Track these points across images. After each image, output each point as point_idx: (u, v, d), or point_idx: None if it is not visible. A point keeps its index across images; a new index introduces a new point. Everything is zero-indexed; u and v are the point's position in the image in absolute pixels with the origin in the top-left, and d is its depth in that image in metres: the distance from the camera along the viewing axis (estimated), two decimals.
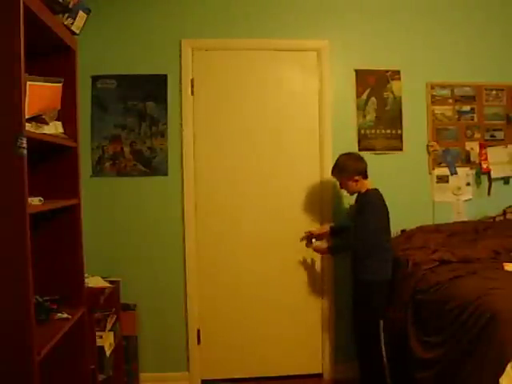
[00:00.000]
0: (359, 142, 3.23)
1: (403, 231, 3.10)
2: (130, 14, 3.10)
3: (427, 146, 3.28)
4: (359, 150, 3.20)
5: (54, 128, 1.86)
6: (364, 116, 3.24)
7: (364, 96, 3.23)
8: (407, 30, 3.25)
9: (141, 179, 3.12)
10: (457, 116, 3.31)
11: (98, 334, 2.40)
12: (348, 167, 2.76)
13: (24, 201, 1.45)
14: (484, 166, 3.30)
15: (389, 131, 3.25)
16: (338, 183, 3.18)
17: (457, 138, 3.31)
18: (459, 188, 3.30)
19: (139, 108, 3.11)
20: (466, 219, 3.25)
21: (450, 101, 3.29)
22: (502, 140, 3.34)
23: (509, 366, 1.78)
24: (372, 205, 2.69)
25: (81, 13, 1.94)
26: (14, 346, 1.45)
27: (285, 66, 3.21)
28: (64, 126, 1.95)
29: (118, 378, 2.71)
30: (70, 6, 1.86)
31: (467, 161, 3.32)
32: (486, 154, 3.30)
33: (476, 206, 3.29)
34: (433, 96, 3.27)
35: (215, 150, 3.17)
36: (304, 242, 3.08)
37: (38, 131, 1.69)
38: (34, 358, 1.47)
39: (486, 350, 1.94)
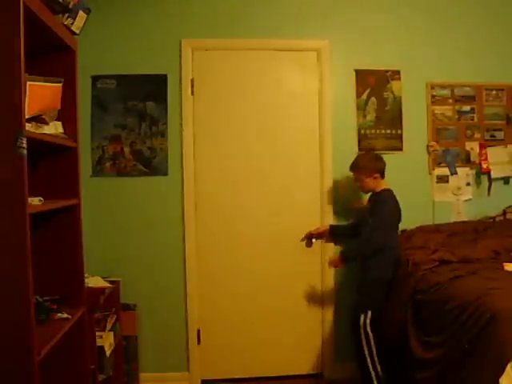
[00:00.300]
0: (359, 141, 3.23)
1: (403, 231, 3.10)
2: (130, 13, 3.10)
3: (427, 146, 3.28)
4: (359, 149, 3.21)
5: (54, 128, 1.86)
6: (364, 116, 3.24)
7: (364, 96, 3.23)
8: (407, 30, 3.25)
9: (141, 179, 3.12)
10: (457, 116, 3.30)
11: (98, 333, 2.40)
12: (368, 165, 2.83)
13: (24, 201, 1.45)
14: (484, 165, 3.30)
15: (389, 131, 3.25)
16: (337, 183, 3.20)
17: (457, 138, 3.31)
18: (459, 188, 3.30)
19: (139, 108, 3.11)
20: (466, 219, 3.25)
21: (450, 101, 3.29)
22: (502, 140, 3.34)
23: (509, 365, 1.78)
24: (386, 205, 2.75)
25: (81, 13, 1.94)
26: (14, 346, 1.45)
27: (285, 66, 3.21)
28: (64, 126, 1.95)
29: (118, 378, 2.71)
30: (70, 6, 1.86)
31: (467, 161, 3.32)
32: (486, 154, 3.30)
33: (476, 206, 3.29)
34: (433, 96, 3.27)
35: (215, 150, 3.17)
36: (304, 242, 3.10)
37: (38, 131, 1.69)
38: (34, 357, 1.47)
39: (485, 350, 1.93)
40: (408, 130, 3.25)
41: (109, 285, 2.65)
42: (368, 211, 2.83)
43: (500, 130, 3.34)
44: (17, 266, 1.45)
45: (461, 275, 2.42)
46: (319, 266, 3.23)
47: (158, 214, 3.13)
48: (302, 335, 3.23)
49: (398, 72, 3.24)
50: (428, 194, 3.26)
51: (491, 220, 3.24)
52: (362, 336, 2.71)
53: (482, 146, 3.31)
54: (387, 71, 3.24)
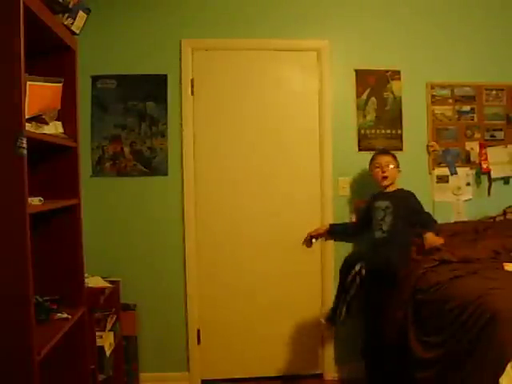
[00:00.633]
0: (359, 141, 3.23)
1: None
2: (130, 13, 3.10)
3: (427, 146, 3.28)
4: (359, 150, 3.21)
5: (54, 128, 1.86)
6: (364, 116, 3.24)
7: (364, 96, 3.23)
8: (407, 30, 3.25)
9: (141, 179, 3.12)
10: (457, 116, 3.30)
11: (98, 333, 2.40)
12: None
13: (24, 201, 1.45)
14: (484, 165, 3.30)
15: (389, 131, 3.25)
16: (337, 183, 3.20)
17: (457, 138, 3.31)
18: (459, 188, 3.30)
19: (139, 108, 3.11)
20: (466, 219, 3.25)
21: (450, 101, 3.29)
22: (502, 140, 3.34)
23: (509, 365, 1.78)
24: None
25: (81, 13, 1.94)
26: (14, 346, 1.46)
27: (285, 66, 3.21)
28: (64, 126, 1.95)
29: (118, 378, 2.71)
30: (70, 6, 1.86)
31: (467, 161, 3.32)
32: (486, 153, 3.30)
33: (476, 206, 3.29)
34: (433, 96, 3.27)
35: (215, 150, 3.17)
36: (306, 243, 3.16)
37: (38, 131, 1.69)
38: (34, 357, 1.47)
39: (485, 350, 1.94)
40: (408, 130, 3.25)
41: (109, 285, 2.65)
42: (400, 203, 2.85)
43: (500, 130, 3.34)
44: (17, 265, 1.45)
45: (461, 275, 2.42)
46: (319, 266, 3.23)
47: (158, 214, 3.13)
48: (302, 335, 3.23)
49: (398, 72, 3.24)
50: (428, 194, 3.26)
51: (491, 220, 3.24)
52: (349, 278, 2.67)
53: (481, 146, 3.31)
54: (387, 71, 3.24)
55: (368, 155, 3.07)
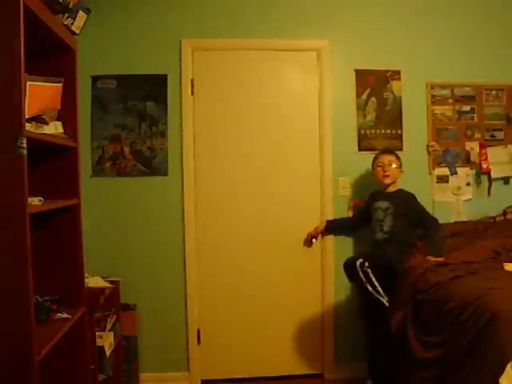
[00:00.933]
0: (359, 141, 3.23)
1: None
2: (130, 13, 3.10)
3: (427, 146, 3.28)
4: (359, 150, 3.21)
5: (54, 128, 1.86)
6: (364, 116, 3.24)
7: (364, 96, 3.23)
8: (407, 30, 3.25)
9: (141, 179, 3.12)
10: (457, 116, 3.30)
11: (98, 333, 2.40)
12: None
13: (24, 201, 1.45)
14: (484, 165, 3.30)
15: (389, 131, 3.25)
16: (337, 183, 3.20)
17: (457, 138, 3.31)
18: (459, 188, 3.30)
19: (139, 108, 3.11)
20: (466, 219, 3.25)
21: (450, 101, 3.29)
22: (502, 140, 3.34)
23: (509, 365, 1.78)
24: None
25: (81, 13, 1.94)
26: (14, 346, 1.46)
27: (285, 66, 3.21)
28: (64, 126, 1.95)
29: (118, 378, 2.71)
30: (70, 6, 1.86)
31: (467, 161, 3.32)
32: (485, 154, 3.30)
33: (476, 206, 3.29)
34: (433, 96, 3.27)
35: (215, 150, 3.17)
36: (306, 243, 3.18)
37: (38, 131, 1.69)
38: (34, 357, 1.47)
39: (485, 350, 1.93)
40: (408, 130, 3.25)
41: (109, 285, 2.65)
42: (400, 203, 2.86)
43: (500, 130, 3.34)
44: (17, 265, 1.45)
45: (461, 275, 2.42)
46: (319, 266, 3.23)
47: (158, 214, 3.13)
48: (302, 335, 3.23)
49: (398, 72, 3.24)
50: (428, 194, 3.26)
51: (491, 220, 3.24)
52: (361, 275, 2.66)
53: (482, 146, 3.31)
54: (387, 71, 3.24)
55: (368, 155, 3.07)
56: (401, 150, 3.24)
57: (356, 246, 3.20)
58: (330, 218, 3.20)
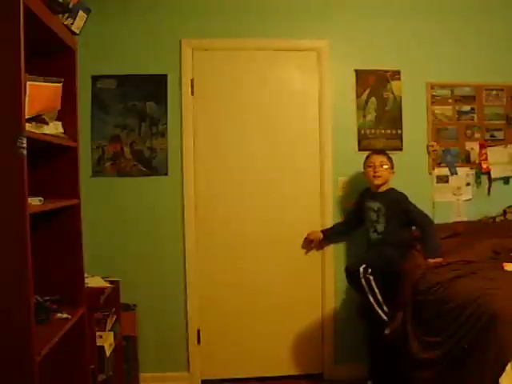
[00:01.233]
0: (359, 141, 3.23)
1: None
2: (130, 13, 3.10)
3: (427, 146, 3.28)
4: (359, 150, 3.21)
5: (54, 128, 1.86)
6: (364, 116, 3.24)
7: (364, 96, 3.23)
8: (407, 30, 3.25)
9: (141, 179, 3.12)
10: (457, 116, 3.30)
11: (98, 333, 2.40)
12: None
13: (24, 201, 1.44)
14: (484, 166, 3.30)
15: (389, 131, 3.25)
16: (337, 183, 3.20)
17: (457, 138, 3.31)
18: (459, 188, 3.30)
19: (139, 108, 3.11)
20: (466, 219, 3.25)
21: (450, 101, 3.29)
22: (502, 140, 3.34)
23: (509, 365, 1.78)
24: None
25: (81, 13, 1.93)
26: (14, 346, 1.45)
27: (285, 66, 3.21)
28: (64, 126, 1.94)
29: (118, 378, 2.70)
30: (70, 6, 1.86)
31: (467, 161, 3.32)
32: (485, 154, 3.30)
33: (476, 206, 3.29)
34: (433, 96, 3.27)
35: (215, 150, 3.17)
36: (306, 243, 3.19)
37: (38, 131, 1.69)
38: (34, 357, 1.46)
39: (485, 350, 1.94)
40: (408, 130, 3.25)
41: (109, 285, 2.64)
42: (392, 205, 2.85)
43: (500, 130, 3.34)
44: (17, 266, 1.45)
45: (461, 275, 2.42)
46: (319, 266, 3.23)
47: (158, 214, 3.13)
48: (302, 335, 3.23)
49: (398, 72, 3.24)
50: (428, 194, 3.26)
51: (491, 220, 3.24)
52: (363, 282, 2.66)
53: (482, 146, 3.31)
54: (387, 71, 3.24)
55: None
56: (401, 150, 3.24)
57: (356, 246, 3.19)
58: (330, 217, 3.20)
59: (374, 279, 2.66)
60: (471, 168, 3.31)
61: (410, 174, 3.22)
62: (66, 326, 1.79)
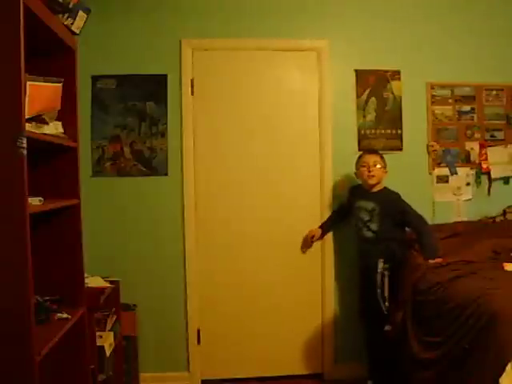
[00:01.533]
0: (359, 141, 3.23)
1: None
2: (130, 13, 3.10)
3: (427, 145, 3.28)
4: (359, 150, 3.20)
5: (54, 128, 1.86)
6: (364, 116, 3.24)
7: (364, 96, 3.23)
8: (407, 30, 3.25)
9: (141, 179, 3.12)
10: (457, 116, 3.30)
11: (98, 333, 2.40)
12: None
13: (24, 201, 1.44)
14: (484, 166, 3.30)
15: (389, 131, 3.25)
16: (337, 183, 3.20)
17: (457, 138, 3.31)
18: (459, 188, 3.30)
19: (139, 108, 3.11)
20: (466, 219, 3.25)
21: (450, 101, 3.29)
22: (502, 140, 3.34)
23: (509, 365, 1.78)
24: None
25: (81, 13, 1.93)
26: (14, 346, 1.45)
27: (285, 66, 3.21)
28: (64, 126, 1.94)
29: (118, 378, 2.71)
30: (70, 6, 1.86)
31: (467, 161, 3.32)
32: (485, 154, 3.30)
33: (476, 206, 3.29)
34: (433, 96, 3.27)
35: (215, 150, 3.17)
36: (307, 243, 3.20)
37: (38, 131, 1.69)
38: (34, 357, 1.46)
39: (485, 350, 1.94)
40: (408, 130, 3.25)
41: (109, 285, 2.64)
42: (387, 205, 2.85)
43: (500, 130, 3.34)
44: (17, 266, 1.45)
45: (461, 275, 2.42)
46: (319, 266, 3.23)
47: (158, 214, 3.13)
48: (302, 335, 3.23)
49: (398, 72, 3.24)
50: (428, 194, 3.26)
51: (491, 220, 3.24)
52: (379, 278, 2.73)
53: (482, 146, 3.31)
54: (387, 71, 3.24)
55: None
56: (401, 150, 3.24)
57: (355, 246, 3.19)
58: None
59: (388, 275, 2.73)
60: (471, 168, 3.31)
61: (410, 174, 3.23)
62: (66, 326, 1.79)
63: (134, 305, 3.01)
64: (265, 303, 3.20)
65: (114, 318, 2.71)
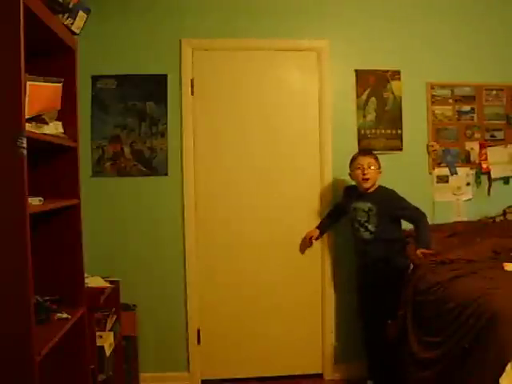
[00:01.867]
0: (359, 141, 3.23)
1: (403, 231, 3.10)
2: (130, 13, 3.11)
3: (427, 145, 3.28)
4: (359, 150, 3.20)
5: (54, 128, 1.86)
6: (364, 116, 3.24)
7: (364, 96, 3.23)
8: (407, 30, 3.25)
9: (141, 179, 3.12)
10: (457, 116, 3.31)
11: (98, 333, 2.40)
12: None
13: (24, 201, 1.44)
14: (484, 165, 3.30)
15: (389, 131, 3.25)
16: (337, 183, 3.20)
17: (457, 138, 3.31)
18: (459, 188, 3.30)
19: (139, 108, 3.11)
20: (466, 219, 3.25)
21: (450, 101, 3.30)
22: (502, 140, 3.34)
23: (509, 365, 1.78)
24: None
25: (81, 13, 1.93)
26: (14, 346, 1.45)
27: (285, 66, 3.21)
28: (64, 126, 1.94)
29: (118, 378, 2.70)
30: (70, 6, 1.85)
31: (467, 161, 3.32)
32: (485, 154, 3.31)
33: (476, 206, 3.29)
34: (433, 96, 3.28)
35: (215, 150, 3.17)
36: (306, 244, 3.19)
37: (38, 131, 1.69)
38: (34, 357, 1.46)
39: (485, 350, 1.94)
40: (408, 130, 3.25)
41: (109, 285, 2.64)
42: (384, 205, 2.84)
43: (500, 130, 3.34)
44: (17, 266, 1.44)
45: (461, 275, 2.42)
46: (319, 266, 3.23)
47: (158, 214, 3.13)
48: (302, 335, 3.23)
49: (398, 72, 3.24)
50: (428, 194, 3.26)
51: (491, 220, 3.24)
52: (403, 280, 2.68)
53: (482, 146, 3.31)
54: (387, 71, 3.24)
55: None
56: (401, 150, 3.25)
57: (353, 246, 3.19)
58: None
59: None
60: (471, 168, 3.32)
61: (410, 174, 3.23)
62: (66, 326, 1.79)
63: (134, 305, 3.01)
64: (265, 303, 3.20)
65: (114, 318, 2.71)
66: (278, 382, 3.17)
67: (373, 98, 3.24)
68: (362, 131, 3.23)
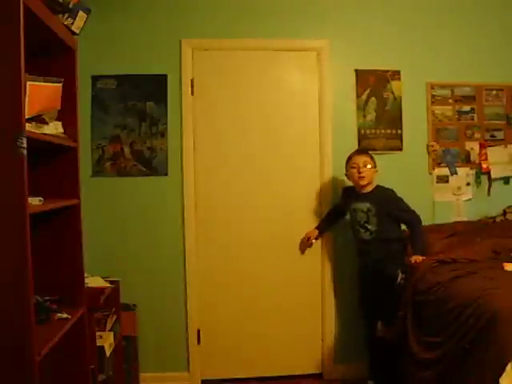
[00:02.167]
0: (359, 141, 3.23)
1: (403, 231, 3.10)
2: (130, 13, 3.11)
3: (427, 145, 3.28)
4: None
5: (54, 128, 1.86)
6: (364, 116, 3.24)
7: (364, 96, 3.23)
8: (407, 30, 3.25)
9: (141, 179, 3.12)
10: (457, 116, 3.31)
11: (98, 333, 2.40)
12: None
13: (24, 201, 1.44)
14: (484, 165, 3.30)
15: (389, 131, 3.25)
16: (337, 183, 3.20)
17: (457, 138, 3.31)
18: (459, 188, 3.30)
19: (139, 108, 3.11)
20: (466, 219, 3.25)
21: (450, 101, 3.29)
22: (502, 140, 3.34)
23: (509, 365, 1.78)
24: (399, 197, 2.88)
25: (81, 13, 1.93)
26: (14, 346, 1.45)
27: (285, 66, 3.22)
28: (64, 126, 1.94)
29: (118, 378, 2.70)
30: (70, 6, 1.85)
31: (467, 161, 3.32)
32: (485, 154, 3.30)
33: (476, 206, 3.29)
34: (433, 96, 3.27)
35: (215, 150, 3.17)
36: (305, 244, 3.19)
37: (38, 131, 1.69)
38: (34, 357, 1.46)
39: (485, 350, 1.94)
40: (408, 130, 3.25)
41: (109, 285, 2.64)
42: (381, 204, 2.84)
43: (500, 130, 3.34)
44: (17, 265, 1.44)
45: (461, 275, 2.42)
46: (319, 266, 3.23)
47: (158, 214, 3.13)
48: (302, 335, 3.23)
49: (398, 72, 3.24)
50: (428, 194, 3.26)
51: (491, 220, 3.24)
52: (397, 288, 2.69)
53: (482, 146, 3.31)
54: (387, 71, 3.24)
55: None
56: (401, 150, 3.25)
57: (354, 247, 3.19)
58: None
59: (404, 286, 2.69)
60: (471, 168, 3.31)
61: (410, 174, 3.23)
62: (66, 326, 1.79)
63: (134, 305, 3.01)
64: (265, 303, 3.20)
65: (114, 318, 2.71)
66: (278, 382, 3.17)
67: (373, 98, 3.24)
68: (362, 131, 3.23)
